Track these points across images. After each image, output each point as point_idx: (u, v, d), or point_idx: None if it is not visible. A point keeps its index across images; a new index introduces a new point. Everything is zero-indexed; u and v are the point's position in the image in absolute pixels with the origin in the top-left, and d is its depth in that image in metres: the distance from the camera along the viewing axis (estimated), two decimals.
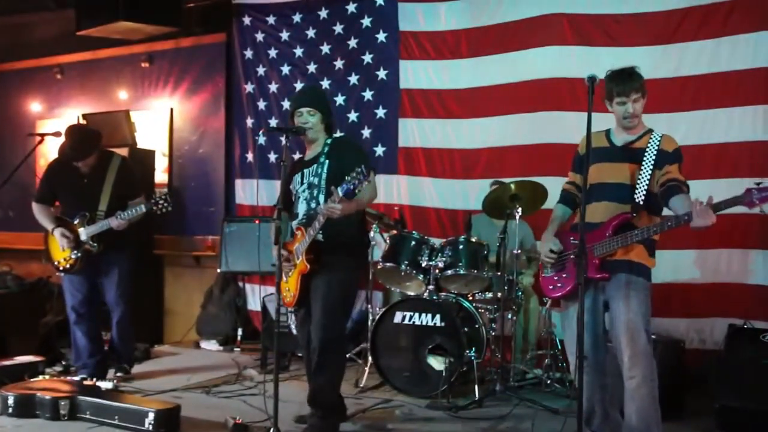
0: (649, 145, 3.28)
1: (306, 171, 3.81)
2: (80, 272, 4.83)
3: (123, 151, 5.91)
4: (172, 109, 7.28)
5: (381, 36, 6.23)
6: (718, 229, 4.76)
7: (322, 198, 3.66)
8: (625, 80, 3.26)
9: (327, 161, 3.73)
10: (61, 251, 4.81)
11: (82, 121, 7.29)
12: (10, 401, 4.10)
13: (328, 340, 3.60)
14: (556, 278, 3.44)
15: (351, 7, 6.36)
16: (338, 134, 4.01)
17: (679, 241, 4.84)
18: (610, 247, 3.22)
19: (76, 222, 4.80)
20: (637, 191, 3.24)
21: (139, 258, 5.28)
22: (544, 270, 3.52)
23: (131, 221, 4.70)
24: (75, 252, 4.77)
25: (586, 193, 3.38)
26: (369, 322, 5.16)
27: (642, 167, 3.25)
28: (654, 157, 3.24)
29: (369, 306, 5.34)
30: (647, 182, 3.23)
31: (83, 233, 4.75)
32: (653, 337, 3.31)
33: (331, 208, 3.45)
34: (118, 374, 5.03)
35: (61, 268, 4.85)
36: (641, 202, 3.23)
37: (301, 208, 3.78)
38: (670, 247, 4.67)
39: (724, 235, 4.91)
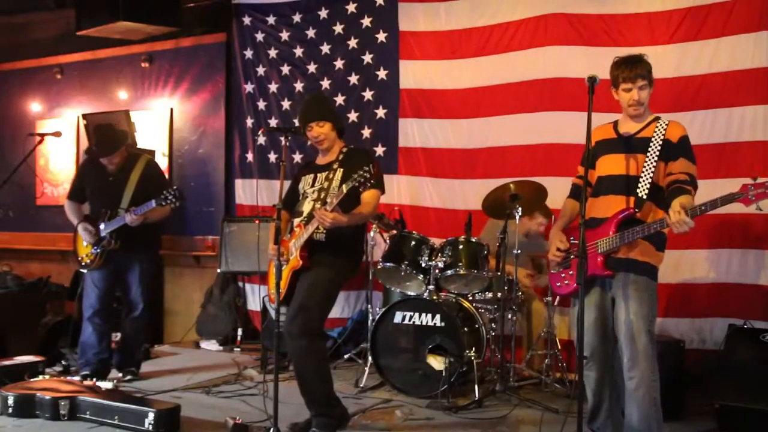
0: (655, 134, 3.25)
1: (319, 175, 3.85)
2: (101, 269, 4.92)
3: None
4: (172, 109, 7.28)
5: (381, 36, 6.23)
6: (718, 229, 4.87)
7: (329, 200, 3.69)
8: (631, 66, 3.24)
9: (341, 169, 3.78)
10: (84, 247, 4.94)
11: (83, 122, 7.30)
12: (10, 401, 4.10)
13: (303, 332, 3.61)
14: (563, 275, 3.45)
15: (351, 7, 6.36)
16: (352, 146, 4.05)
17: (679, 241, 4.82)
18: (613, 244, 3.21)
19: (99, 219, 4.91)
20: (640, 184, 3.22)
21: (159, 260, 5.33)
22: (552, 267, 3.53)
23: (145, 217, 4.74)
24: (95, 248, 4.86)
25: (595, 187, 3.39)
26: (369, 322, 5.17)
27: (647, 158, 3.22)
28: (659, 148, 3.21)
29: (369, 306, 5.34)
30: (652, 174, 3.21)
31: (103, 229, 4.85)
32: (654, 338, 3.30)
33: (322, 216, 3.49)
34: (127, 377, 5.04)
35: (83, 263, 4.96)
36: (644, 196, 3.20)
37: (306, 207, 3.80)
38: (671, 247, 4.61)
39: (725, 235, 4.91)
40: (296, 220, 3.84)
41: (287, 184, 4.04)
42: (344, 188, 3.44)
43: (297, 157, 6.54)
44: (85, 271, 5.02)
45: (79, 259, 4.99)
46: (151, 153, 7.02)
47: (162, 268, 7.24)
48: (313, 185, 3.85)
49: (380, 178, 3.71)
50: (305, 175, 3.92)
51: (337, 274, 3.76)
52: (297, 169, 3.80)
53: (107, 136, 4.98)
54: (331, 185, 3.74)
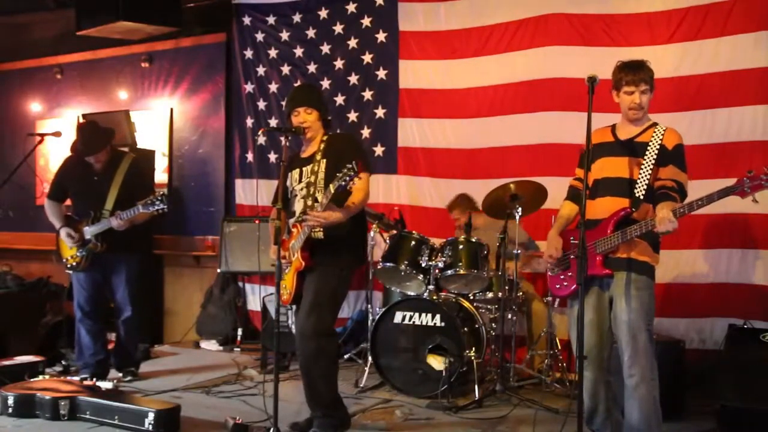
0: (652, 139, 3.29)
1: (304, 169, 3.81)
2: (87, 270, 4.88)
3: None
4: (172, 109, 7.28)
5: (381, 36, 6.23)
6: (718, 228, 4.87)
7: (319, 196, 3.67)
8: (635, 70, 3.28)
9: (324, 159, 3.74)
10: (69, 249, 4.88)
11: (82, 121, 7.30)
12: (10, 401, 4.10)
13: (317, 333, 3.60)
14: (562, 277, 3.46)
15: (351, 7, 6.36)
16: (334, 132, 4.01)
17: (679, 241, 4.85)
18: (611, 244, 3.24)
19: (82, 221, 4.85)
20: (637, 186, 3.26)
21: (149, 260, 5.27)
22: (550, 269, 3.53)
23: (133, 221, 4.69)
24: (81, 251, 4.82)
25: (592, 189, 3.40)
26: (369, 322, 5.17)
27: (644, 162, 3.27)
28: (656, 153, 3.26)
29: (369, 306, 5.34)
30: (648, 177, 3.25)
31: (87, 232, 4.80)
32: (653, 336, 3.31)
33: (315, 217, 3.48)
34: (127, 378, 5.03)
35: (68, 266, 4.91)
36: (641, 197, 3.24)
37: (299, 206, 3.79)
38: (671, 247, 4.66)
39: (724, 235, 4.92)
40: (291, 220, 3.82)
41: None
42: (331, 188, 3.39)
43: (292, 154, 6.53)
44: (71, 272, 4.97)
45: (64, 260, 4.92)
46: (151, 153, 7.05)
47: (162, 268, 7.24)
48: (300, 181, 3.81)
49: (367, 161, 3.63)
50: (291, 171, 3.87)
51: (342, 271, 3.73)
52: (282, 169, 3.72)
53: (92, 134, 4.87)
54: (318, 178, 3.71)
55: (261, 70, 6.76)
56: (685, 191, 3.24)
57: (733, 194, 2.96)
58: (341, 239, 3.70)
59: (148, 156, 7.01)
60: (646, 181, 3.25)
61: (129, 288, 4.98)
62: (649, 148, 3.27)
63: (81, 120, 7.31)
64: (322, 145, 3.79)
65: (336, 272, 3.70)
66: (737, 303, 4.85)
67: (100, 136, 4.88)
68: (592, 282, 3.33)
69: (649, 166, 3.25)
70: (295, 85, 6.52)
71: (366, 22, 6.30)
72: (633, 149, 3.32)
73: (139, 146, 6.99)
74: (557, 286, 3.50)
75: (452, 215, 5.54)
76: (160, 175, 7.17)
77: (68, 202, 5.13)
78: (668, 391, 3.67)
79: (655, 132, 3.31)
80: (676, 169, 3.25)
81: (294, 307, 3.85)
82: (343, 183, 3.34)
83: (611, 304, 3.33)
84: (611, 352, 3.39)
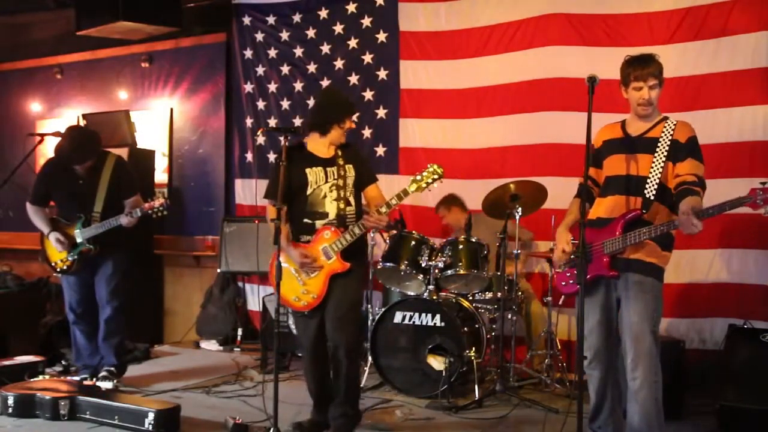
0: (662, 134, 3.23)
1: (329, 170, 3.75)
2: (77, 273, 4.83)
3: (123, 151, 5.90)
4: (172, 109, 7.28)
5: (381, 36, 6.23)
6: (718, 229, 4.86)
7: (353, 200, 3.77)
8: (644, 65, 3.22)
9: (351, 165, 3.80)
10: (58, 252, 4.80)
11: (82, 122, 7.29)
12: (10, 401, 4.10)
13: (360, 328, 3.79)
14: (568, 275, 3.44)
15: (351, 7, 6.36)
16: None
17: (679, 242, 4.81)
18: (619, 246, 3.20)
19: (72, 224, 4.79)
20: (648, 185, 3.20)
21: (134, 258, 5.19)
22: (557, 266, 3.52)
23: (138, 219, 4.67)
24: (72, 254, 4.77)
25: (602, 187, 3.39)
26: (369, 322, 5.17)
27: (654, 159, 3.20)
28: (667, 148, 3.20)
29: (369, 306, 5.34)
30: (659, 175, 3.19)
31: (79, 235, 4.74)
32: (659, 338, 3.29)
33: (381, 220, 3.61)
34: (104, 379, 4.74)
35: (58, 269, 4.84)
36: (652, 197, 3.19)
37: (331, 208, 3.72)
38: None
39: (725, 235, 4.91)
40: (319, 222, 3.70)
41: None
42: (410, 191, 3.66)
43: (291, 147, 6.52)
44: (59, 275, 4.90)
45: (53, 264, 4.83)
46: (151, 153, 7.04)
47: (162, 268, 7.24)
48: (327, 180, 3.73)
49: None
50: (309, 168, 3.72)
51: (364, 273, 3.97)
52: (283, 169, 3.58)
53: (81, 142, 4.73)
54: (346, 183, 3.76)
55: (261, 70, 6.76)
56: (704, 184, 3.15)
57: (744, 205, 2.91)
58: (361, 245, 3.85)
59: (148, 156, 7.01)
60: (657, 179, 3.18)
61: (110, 286, 4.83)
62: (659, 144, 3.20)
63: (81, 120, 7.31)
64: (340, 152, 3.82)
65: (364, 272, 3.93)
66: (737, 303, 4.85)
67: (90, 144, 4.77)
68: (599, 282, 3.30)
69: (660, 162, 3.18)
70: (295, 85, 6.51)
71: (366, 22, 6.30)
72: (643, 145, 3.25)
73: (139, 146, 6.99)
74: (563, 284, 3.48)
75: (438, 214, 5.65)
76: (160, 175, 7.17)
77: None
78: (668, 391, 3.66)
79: (665, 127, 3.24)
80: (695, 162, 3.17)
81: (313, 312, 3.74)
82: (425, 185, 3.64)
83: (619, 305, 3.30)
84: (619, 351, 3.36)
